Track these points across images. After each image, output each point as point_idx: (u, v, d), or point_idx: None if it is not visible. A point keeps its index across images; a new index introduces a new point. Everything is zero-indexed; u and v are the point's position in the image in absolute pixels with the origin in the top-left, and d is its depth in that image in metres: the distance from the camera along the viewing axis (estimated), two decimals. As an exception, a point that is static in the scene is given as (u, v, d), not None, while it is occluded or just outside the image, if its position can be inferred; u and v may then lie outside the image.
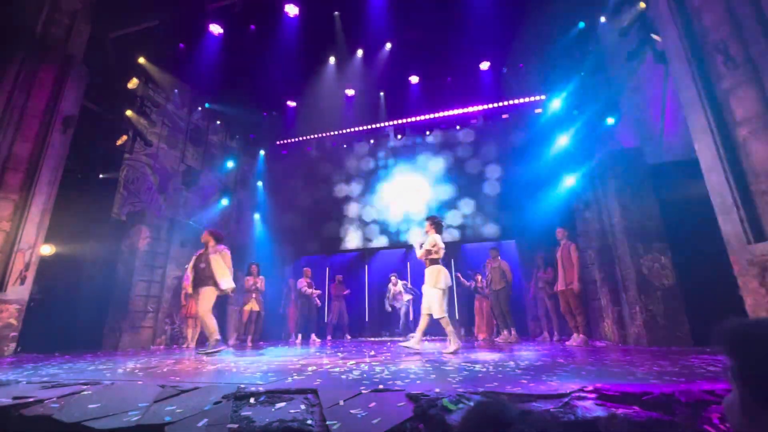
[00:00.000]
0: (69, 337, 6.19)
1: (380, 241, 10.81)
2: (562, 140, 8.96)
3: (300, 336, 8.27)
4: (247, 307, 7.54)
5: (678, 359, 3.13)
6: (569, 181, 7.77)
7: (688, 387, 1.82)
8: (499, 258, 7.12)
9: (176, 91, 9.43)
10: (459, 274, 8.44)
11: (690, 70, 3.72)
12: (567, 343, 5.70)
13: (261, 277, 7.85)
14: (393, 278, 9.21)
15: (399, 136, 11.27)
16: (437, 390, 1.87)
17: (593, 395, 1.76)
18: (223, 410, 1.81)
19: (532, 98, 10.19)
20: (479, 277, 8.43)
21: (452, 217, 10.26)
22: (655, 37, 5.65)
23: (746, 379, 0.67)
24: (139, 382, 2.42)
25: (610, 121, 7.31)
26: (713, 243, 3.90)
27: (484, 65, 9.81)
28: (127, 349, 6.27)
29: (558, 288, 5.94)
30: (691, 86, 3.71)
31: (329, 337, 9.12)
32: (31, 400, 2.04)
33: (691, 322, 4.62)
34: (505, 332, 6.75)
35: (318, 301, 8.68)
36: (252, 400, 1.91)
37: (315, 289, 8.58)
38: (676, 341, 4.58)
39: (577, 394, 1.77)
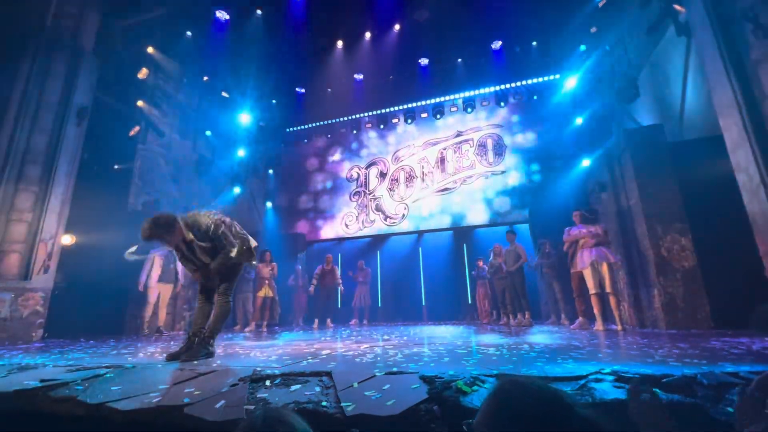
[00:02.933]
0: (93, 324, 6.40)
1: (392, 227, 10.79)
2: (578, 120, 8.69)
3: (316, 321, 8.41)
4: (261, 294, 7.67)
5: (698, 342, 3.06)
6: (585, 162, 7.57)
7: (710, 369, 1.77)
8: (515, 241, 7.05)
9: (185, 80, 9.44)
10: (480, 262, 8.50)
11: (716, 40, 3.52)
12: (572, 327, 5.60)
13: (274, 263, 7.98)
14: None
15: (409, 120, 11.11)
16: (451, 372, 1.87)
17: (611, 377, 1.72)
18: (239, 392, 1.84)
19: (547, 78, 9.88)
20: (480, 263, 8.45)
21: (464, 202, 10.16)
22: (678, 8, 5.35)
23: None
24: (159, 366, 2.49)
25: (628, 99, 7.03)
26: (736, 223, 3.77)
27: (496, 44, 9.52)
28: (147, 335, 6.46)
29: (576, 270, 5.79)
30: (717, 58, 3.52)
31: (354, 321, 9.21)
32: (57, 382, 2.12)
33: (712, 305, 4.50)
34: (519, 315, 6.72)
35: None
36: (268, 383, 1.93)
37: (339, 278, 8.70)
38: (696, 324, 4.48)
39: (594, 377, 1.74)
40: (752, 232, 3.40)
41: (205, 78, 9.51)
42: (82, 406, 1.88)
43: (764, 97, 3.19)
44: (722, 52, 3.46)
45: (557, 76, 9.71)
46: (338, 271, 8.80)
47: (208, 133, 9.80)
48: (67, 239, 6.45)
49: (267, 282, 7.74)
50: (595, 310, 5.10)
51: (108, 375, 2.23)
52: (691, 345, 2.85)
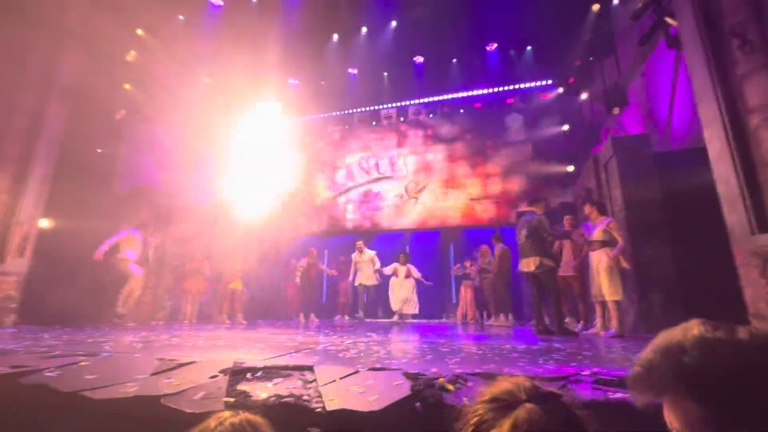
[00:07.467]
0: (69, 311, 6.21)
1: (380, 224, 10.78)
2: (567, 126, 8.82)
3: (302, 315, 8.36)
4: (231, 286, 7.58)
5: (674, 347, 3.14)
6: (573, 168, 7.69)
7: (685, 373, 1.82)
8: (501, 243, 7.12)
9: (176, 65, 9.20)
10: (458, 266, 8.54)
11: (704, 54, 3.60)
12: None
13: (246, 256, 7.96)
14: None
15: (401, 118, 11.09)
16: (434, 370, 1.87)
17: (590, 379, 1.75)
18: (219, 384, 1.81)
19: (540, 83, 9.99)
20: (468, 264, 8.41)
21: (454, 201, 10.21)
22: (669, 20, 5.46)
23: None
24: (137, 355, 2.43)
25: (617, 108, 7.16)
26: (713, 233, 3.87)
27: (492, 47, 9.56)
28: (126, 324, 6.32)
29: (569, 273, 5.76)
30: (704, 71, 3.60)
31: (338, 317, 9.19)
32: (28, 369, 2.05)
33: (688, 312, 4.60)
34: (501, 316, 6.80)
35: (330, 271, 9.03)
36: (249, 376, 1.91)
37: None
38: (672, 330, 4.60)
39: (574, 378, 1.77)
40: (729, 243, 3.50)
41: (196, 64, 9.30)
42: (54, 394, 1.82)
43: (747, 111, 3.28)
44: (710, 66, 3.54)
45: (550, 82, 9.83)
46: (321, 265, 8.83)
47: (197, 120, 9.58)
48: (45, 223, 6.24)
49: (239, 274, 7.67)
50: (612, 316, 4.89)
51: (83, 363, 2.17)
52: (667, 350, 2.93)
